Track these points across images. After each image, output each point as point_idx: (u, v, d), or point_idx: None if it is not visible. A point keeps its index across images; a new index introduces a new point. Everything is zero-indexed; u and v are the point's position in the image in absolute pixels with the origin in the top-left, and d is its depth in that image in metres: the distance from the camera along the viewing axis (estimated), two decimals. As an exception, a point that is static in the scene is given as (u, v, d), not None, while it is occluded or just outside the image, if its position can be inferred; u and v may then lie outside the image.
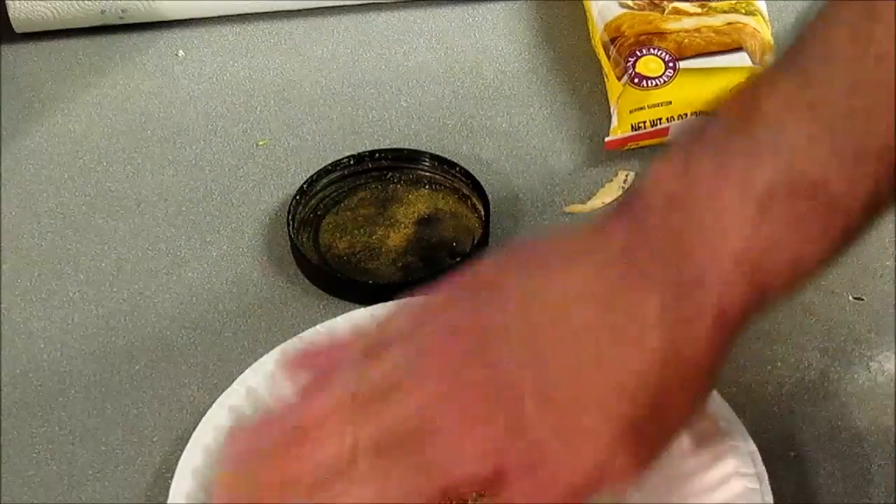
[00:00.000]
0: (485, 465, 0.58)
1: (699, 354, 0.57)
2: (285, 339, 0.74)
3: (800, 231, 0.55)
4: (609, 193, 0.84)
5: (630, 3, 0.90)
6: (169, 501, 0.67)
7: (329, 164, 0.84)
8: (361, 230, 0.82)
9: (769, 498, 0.65)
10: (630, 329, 0.57)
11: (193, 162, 0.87)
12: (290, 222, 0.81)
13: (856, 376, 0.73)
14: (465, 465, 0.58)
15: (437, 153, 0.84)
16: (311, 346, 0.66)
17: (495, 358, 0.59)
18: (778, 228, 0.55)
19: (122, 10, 0.94)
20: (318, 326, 0.74)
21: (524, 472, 0.58)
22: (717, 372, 0.58)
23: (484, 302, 0.60)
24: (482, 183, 0.82)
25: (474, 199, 0.82)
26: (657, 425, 0.58)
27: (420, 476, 0.58)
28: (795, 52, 0.57)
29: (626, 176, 0.84)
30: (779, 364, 0.74)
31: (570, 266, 0.59)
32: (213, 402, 0.71)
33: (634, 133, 0.85)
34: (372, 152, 0.85)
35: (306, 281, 0.80)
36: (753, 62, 0.86)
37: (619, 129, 0.85)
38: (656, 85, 0.85)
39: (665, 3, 0.90)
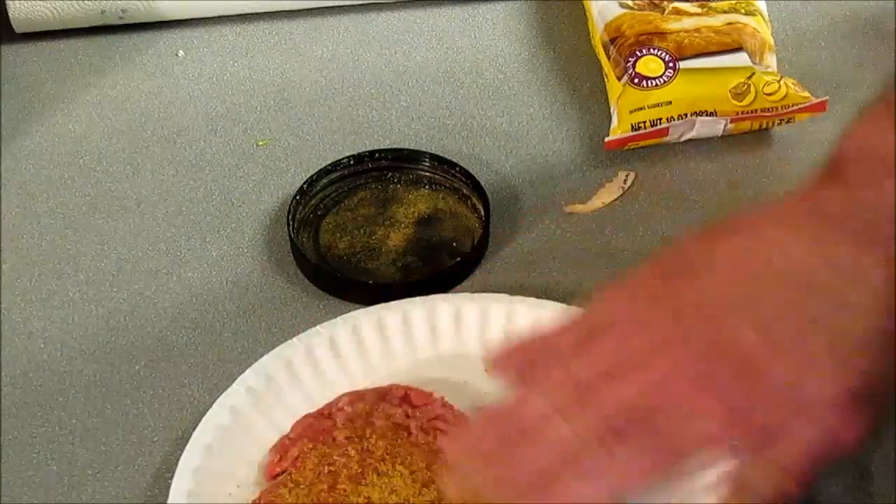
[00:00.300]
0: (720, 437, 0.57)
1: None
2: (285, 339, 0.74)
3: None
4: (609, 193, 0.84)
5: (630, 4, 0.90)
6: (169, 501, 0.67)
7: (329, 164, 0.84)
8: (361, 230, 0.82)
9: (769, 498, 0.65)
10: (853, 292, 0.57)
11: (193, 162, 0.87)
12: (290, 222, 0.81)
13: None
14: (700, 437, 0.57)
15: (437, 153, 0.84)
16: (516, 341, 0.63)
17: (718, 331, 0.58)
18: None
19: (122, 10, 0.94)
20: (318, 327, 0.74)
21: (759, 444, 0.57)
22: None
23: (695, 276, 0.59)
24: (482, 183, 0.82)
25: (474, 199, 0.82)
26: (878, 388, 0.58)
27: (656, 454, 0.57)
28: None
29: (626, 176, 0.84)
30: (779, 364, 0.74)
31: (784, 235, 0.58)
32: (213, 402, 0.71)
33: (634, 133, 0.85)
34: (372, 152, 0.85)
35: (306, 281, 0.80)
36: (753, 62, 0.86)
37: (619, 129, 0.85)
38: (656, 85, 0.85)
39: (665, 3, 0.90)
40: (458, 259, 0.79)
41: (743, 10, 0.89)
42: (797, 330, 0.57)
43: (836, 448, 0.58)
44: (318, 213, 0.83)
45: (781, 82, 0.85)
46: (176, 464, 0.68)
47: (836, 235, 0.58)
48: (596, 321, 0.61)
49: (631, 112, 0.85)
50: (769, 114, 0.85)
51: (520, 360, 0.62)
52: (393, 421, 0.68)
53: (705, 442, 0.58)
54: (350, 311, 0.75)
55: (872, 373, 0.57)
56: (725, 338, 0.57)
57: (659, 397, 0.57)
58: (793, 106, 0.84)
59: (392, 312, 0.75)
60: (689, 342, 0.58)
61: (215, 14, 0.96)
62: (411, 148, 0.85)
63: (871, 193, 0.57)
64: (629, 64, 0.86)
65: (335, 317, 0.75)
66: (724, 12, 0.89)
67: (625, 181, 0.84)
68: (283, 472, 0.68)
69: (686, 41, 0.87)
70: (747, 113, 0.85)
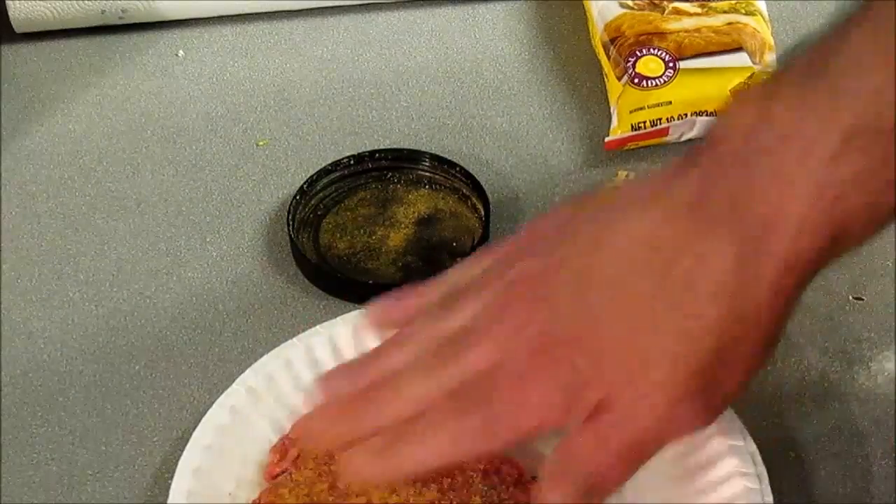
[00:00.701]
0: (548, 417, 0.58)
1: (768, 302, 0.56)
2: (285, 339, 0.74)
3: (881, 174, 0.54)
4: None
5: (630, 3, 0.90)
6: (169, 501, 0.67)
7: (329, 164, 0.84)
8: (361, 230, 0.82)
9: (769, 498, 0.65)
10: (697, 276, 0.57)
11: (193, 162, 0.87)
12: (290, 222, 0.81)
13: (856, 376, 0.73)
14: (530, 418, 0.58)
15: (437, 153, 0.84)
16: (393, 300, 0.66)
17: (562, 309, 0.59)
18: (859, 167, 0.54)
19: (122, 10, 0.94)
20: (318, 327, 0.74)
21: (586, 427, 0.58)
22: (785, 321, 0.58)
23: (553, 250, 0.60)
24: (482, 183, 0.82)
25: (474, 199, 0.82)
26: (723, 376, 0.58)
27: (489, 428, 0.59)
28: (865, 8, 0.56)
29: (626, 176, 0.84)
30: (779, 364, 0.74)
31: (641, 212, 0.59)
32: (213, 402, 0.71)
33: (634, 133, 0.85)
34: (372, 152, 0.85)
35: (306, 281, 0.80)
36: (753, 62, 0.86)
37: (619, 129, 0.85)
38: (656, 85, 0.85)
39: (665, 3, 0.90)
40: (458, 259, 0.79)
41: (743, 10, 0.89)
42: (638, 314, 0.58)
43: (668, 435, 0.59)
44: (318, 213, 0.83)
45: (781, 82, 0.85)
46: (176, 464, 0.68)
47: (689, 216, 0.57)
48: (464, 280, 0.63)
49: (631, 112, 0.85)
50: (769, 114, 0.85)
51: (392, 317, 0.65)
52: (393, 421, 0.68)
53: (533, 423, 0.59)
54: (350, 311, 0.75)
55: (712, 362, 0.57)
56: (566, 325, 0.59)
57: (495, 375, 0.59)
58: (793, 106, 0.84)
59: (392, 312, 0.74)
60: (532, 326, 0.59)
61: (215, 14, 0.96)
62: (411, 148, 0.85)
63: (740, 176, 0.56)
64: (629, 64, 0.86)
65: (335, 317, 0.75)
66: (724, 12, 0.89)
67: (625, 181, 0.84)
68: (283, 473, 0.68)
69: (686, 41, 0.87)
70: (747, 113, 0.84)
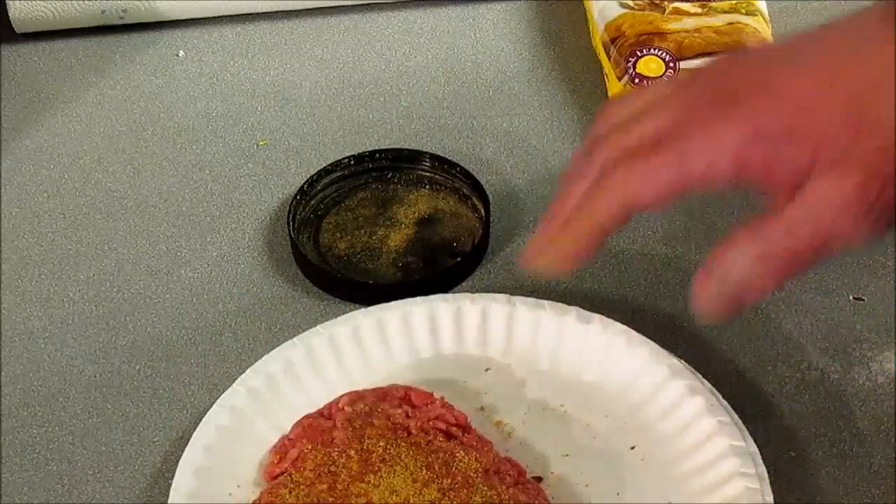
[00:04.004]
0: (722, 160, 0.59)
1: None
2: (285, 340, 0.74)
3: None
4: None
5: (630, 3, 0.90)
6: (169, 501, 0.67)
7: (329, 164, 0.84)
8: (362, 230, 0.82)
9: (769, 498, 0.65)
10: (875, 59, 0.59)
11: (193, 162, 0.87)
12: (291, 222, 0.81)
13: (856, 376, 0.73)
14: (720, 149, 0.59)
15: (437, 153, 0.84)
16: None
17: (751, 73, 0.61)
18: None
19: (122, 10, 0.94)
20: (318, 327, 0.74)
21: (776, 180, 0.60)
22: None
23: (738, 62, 0.64)
24: (482, 183, 0.82)
25: (474, 199, 0.82)
26: (892, 179, 0.58)
27: (657, 162, 0.60)
28: None
29: (627, 176, 0.84)
30: (779, 364, 0.74)
31: (865, 52, 0.60)
32: (214, 402, 0.71)
33: (634, 133, 0.85)
34: (372, 152, 0.85)
35: (306, 281, 0.80)
36: (753, 62, 0.86)
37: (619, 129, 0.85)
38: (656, 85, 0.85)
39: (665, 3, 0.90)
40: (458, 259, 0.79)
41: (743, 10, 0.89)
42: (839, 76, 0.59)
43: (838, 236, 0.59)
44: (319, 213, 0.83)
45: (782, 82, 0.85)
46: (176, 464, 0.68)
47: (877, 24, 0.60)
48: (650, 95, 0.65)
49: (631, 112, 0.85)
50: (769, 114, 0.85)
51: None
52: (393, 421, 0.68)
53: (718, 156, 0.60)
54: (350, 311, 0.75)
55: (885, 151, 0.58)
56: (746, 85, 0.61)
57: (684, 120, 0.61)
58: (793, 106, 0.84)
59: (392, 312, 0.75)
60: (720, 85, 0.62)
61: (215, 14, 0.96)
62: (411, 148, 0.85)
63: None
64: (629, 64, 0.86)
65: (335, 317, 0.75)
66: (725, 12, 0.89)
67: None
68: (283, 473, 0.68)
69: (686, 41, 0.87)
70: (747, 113, 0.84)
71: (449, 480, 0.66)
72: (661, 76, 0.85)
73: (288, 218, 0.81)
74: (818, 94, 0.59)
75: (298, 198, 0.82)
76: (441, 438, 0.68)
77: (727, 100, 0.60)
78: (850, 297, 0.77)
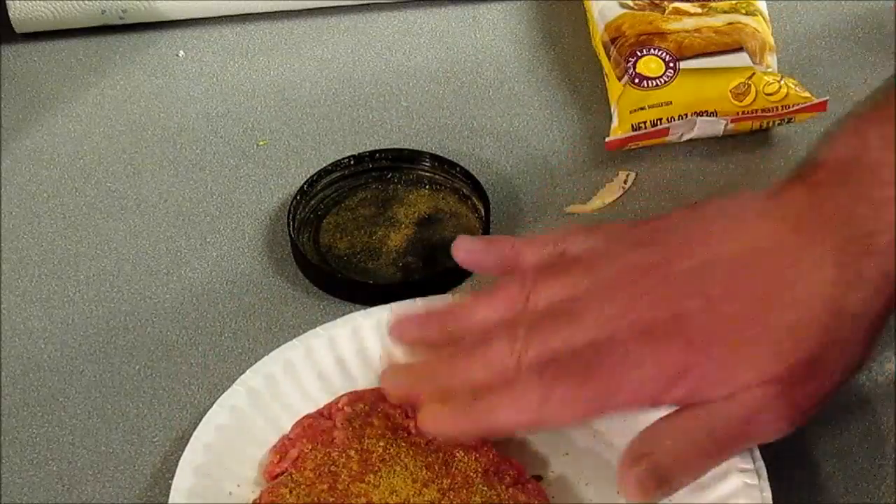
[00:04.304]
0: (643, 398, 0.61)
1: (864, 313, 0.60)
2: (285, 340, 0.74)
3: None
4: (609, 193, 0.84)
5: (630, 3, 0.90)
6: (169, 501, 0.67)
7: (329, 164, 0.84)
8: (362, 230, 0.82)
9: (768, 494, 0.65)
10: (801, 281, 0.60)
11: (193, 162, 0.87)
12: (291, 222, 0.81)
13: (856, 376, 0.73)
14: (625, 395, 0.61)
15: (437, 153, 0.84)
16: (489, 246, 0.69)
17: (672, 296, 0.62)
18: None
19: (122, 10, 0.94)
20: (318, 328, 0.74)
21: (674, 415, 0.61)
22: (876, 339, 0.61)
23: (664, 245, 0.64)
24: (482, 183, 0.82)
25: (474, 199, 0.82)
26: (821, 375, 0.61)
27: (581, 398, 0.61)
28: None
29: (627, 176, 0.84)
30: (779, 364, 0.74)
31: (749, 221, 0.63)
32: (214, 402, 0.71)
33: (635, 133, 0.85)
34: (372, 152, 0.85)
35: (306, 281, 0.80)
36: (753, 62, 0.86)
37: (619, 130, 0.85)
38: (657, 85, 0.85)
39: (665, 3, 0.90)
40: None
41: (743, 10, 0.89)
42: (741, 311, 0.61)
43: (755, 433, 0.62)
44: (319, 213, 0.83)
45: (782, 82, 0.85)
46: (176, 464, 0.68)
47: (794, 229, 0.62)
48: (570, 252, 0.65)
49: (631, 112, 0.85)
50: (769, 114, 0.85)
51: (487, 266, 0.68)
52: (392, 421, 0.68)
53: (638, 396, 0.61)
54: (350, 311, 0.75)
55: (807, 362, 0.61)
56: (676, 308, 0.62)
57: (605, 341, 0.61)
58: (793, 106, 0.84)
59: (392, 312, 0.74)
60: (646, 294, 0.62)
61: (215, 14, 0.96)
62: (411, 148, 0.85)
63: (844, 197, 0.61)
64: (629, 64, 0.86)
65: (335, 317, 0.75)
66: (725, 12, 0.89)
67: (625, 181, 0.84)
68: (283, 473, 0.68)
69: (686, 41, 0.87)
70: (748, 113, 0.85)
71: (449, 480, 0.66)
72: (660, 76, 0.85)
73: (288, 218, 0.81)
74: (752, 324, 0.61)
75: (298, 198, 0.82)
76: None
77: (661, 329, 0.61)
78: (850, 297, 0.77)
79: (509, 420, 0.63)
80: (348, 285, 0.78)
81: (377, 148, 0.85)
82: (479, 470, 0.66)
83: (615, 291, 0.63)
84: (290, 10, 0.97)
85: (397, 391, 0.67)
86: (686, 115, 0.85)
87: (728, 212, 0.65)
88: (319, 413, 0.71)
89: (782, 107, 0.84)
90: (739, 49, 0.86)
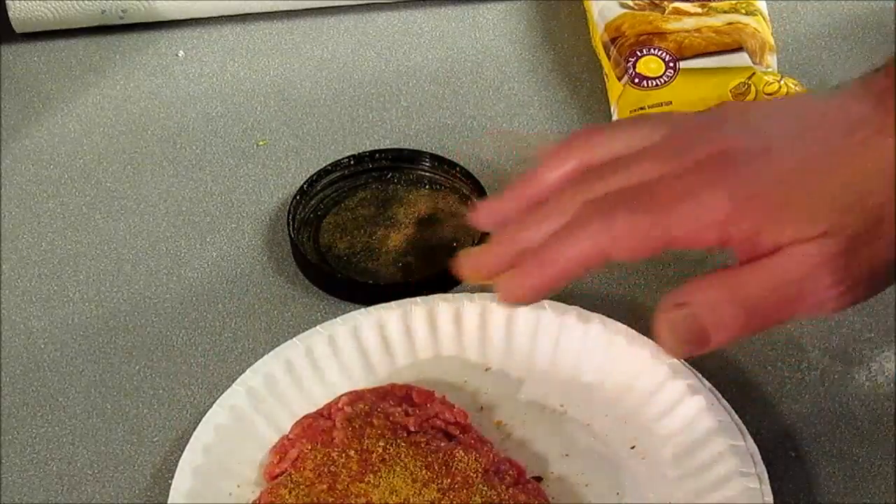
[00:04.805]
0: (702, 233, 0.59)
1: None
2: (285, 340, 0.74)
3: None
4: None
5: (630, 3, 0.90)
6: (169, 501, 0.67)
7: (329, 164, 0.84)
8: (361, 230, 0.82)
9: (769, 498, 0.65)
10: (871, 140, 0.59)
11: (193, 162, 0.87)
12: (291, 222, 0.81)
13: (856, 376, 0.73)
14: (684, 226, 0.59)
15: (437, 153, 0.84)
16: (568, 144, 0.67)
17: (729, 141, 0.61)
18: None
19: (122, 10, 0.94)
20: (318, 327, 0.74)
21: (723, 272, 0.60)
22: None
23: (720, 111, 0.64)
24: (482, 183, 0.82)
25: (474, 199, 0.82)
26: (878, 247, 0.59)
27: (641, 227, 0.60)
28: None
29: (627, 176, 0.84)
30: (779, 364, 0.74)
31: (817, 98, 0.63)
32: (214, 402, 0.71)
33: (634, 133, 0.85)
34: (372, 152, 0.85)
35: (306, 281, 0.80)
36: (754, 62, 0.86)
37: (619, 129, 0.85)
38: (656, 85, 0.85)
39: (665, 3, 0.90)
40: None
41: (743, 10, 0.89)
42: (802, 158, 0.60)
43: (804, 301, 0.59)
44: (318, 213, 0.83)
45: (781, 82, 0.85)
46: (176, 464, 0.68)
47: (870, 104, 0.60)
48: (637, 138, 0.64)
49: (631, 112, 0.85)
50: (769, 114, 0.85)
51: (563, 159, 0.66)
52: (392, 420, 0.68)
53: (694, 231, 0.60)
54: (350, 311, 0.75)
55: (870, 220, 0.59)
56: (735, 146, 0.61)
57: (660, 180, 0.60)
58: (793, 106, 0.84)
59: (392, 312, 0.75)
60: (702, 142, 0.61)
61: (215, 14, 0.96)
62: (411, 148, 0.85)
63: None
64: (629, 64, 0.86)
65: (335, 317, 0.75)
66: (725, 12, 0.89)
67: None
68: (282, 473, 0.68)
69: (686, 41, 0.87)
70: (747, 113, 0.84)
71: (449, 480, 0.66)
72: (660, 76, 0.85)
73: (288, 218, 0.81)
74: (813, 172, 0.60)
75: (298, 198, 0.82)
76: (440, 438, 0.68)
77: (720, 163, 0.60)
78: (850, 297, 0.77)
79: (574, 256, 0.61)
80: (348, 285, 0.78)
81: (377, 148, 0.85)
82: (479, 470, 0.66)
83: (670, 142, 0.62)
84: (290, 10, 0.97)
85: (472, 268, 0.66)
86: (686, 115, 0.84)
87: (786, 104, 0.65)
88: (319, 413, 0.71)
89: (782, 107, 0.84)
90: (739, 49, 0.86)
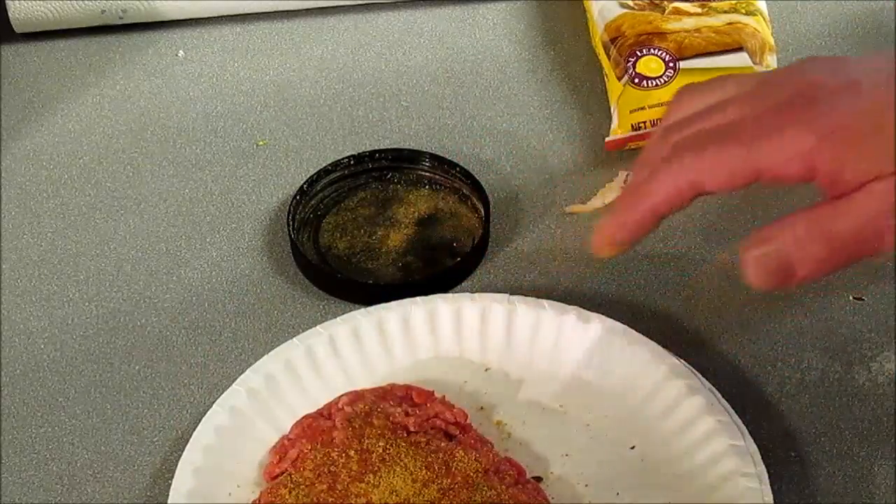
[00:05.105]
0: (789, 162, 0.60)
1: None
2: (285, 340, 0.74)
3: None
4: (609, 193, 0.83)
5: (630, 3, 0.90)
6: (169, 501, 0.67)
7: (329, 164, 0.84)
8: (361, 230, 0.82)
9: (769, 498, 0.65)
10: None
11: (193, 162, 0.87)
12: (290, 222, 0.81)
13: (856, 376, 0.73)
14: (774, 153, 0.61)
15: (437, 153, 0.84)
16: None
17: (815, 82, 0.62)
18: None
19: (122, 10, 0.94)
20: (318, 327, 0.74)
21: (811, 209, 0.61)
22: None
23: (823, 66, 0.64)
24: (482, 183, 0.82)
25: (474, 199, 0.82)
26: None
27: (731, 151, 0.61)
28: None
29: (627, 176, 0.84)
30: (779, 364, 0.74)
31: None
32: (213, 402, 0.71)
33: (635, 133, 0.85)
34: (372, 152, 0.85)
35: (306, 281, 0.80)
36: (753, 62, 0.86)
37: (619, 129, 0.85)
38: (656, 85, 0.85)
39: (665, 3, 0.90)
40: (458, 259, 0.79)
41: (743, 10, 0.89)
42: (887, 97, 0.61)
43: (887, 238, 0.60)
44: (318, 213, 0.83)
45: (781, 82, 0.85)
46: (176, 464, 0.68)
47: None
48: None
49: (631, 112, 0.85)
50: (769, 114, 0.85)
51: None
52: (392, 420, 0.68)
53: (788, 157, 0.61)
54: (350, 311, 0.75)
55: None
56: (820, 86, 0.62)
57: (748, 115, 0.62)
58: (793, 106, 0.84)
59: (392, 312, 0.75)
60: (788, 84, 0.63)
61: (215, 14, 0.96)
62: (411, 148, 0.85)
63: None
64: (629, 64, 0.86)
65: (335, 317, 0.75)
66: (725, 12, 0.89)
67: (625, 181, 0.84)
68: (282, 473, 0.68)
69: (686, 41, 0.87)
70: (747, 113, 0.84)
71: (449, 480, 0.66)
72: (660, 76, 0.85)
73: (288, 218, 0.81)
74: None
75: (298, 198, 0.82)
76: (440, 438, 0.68)
77: (807, 99, 0.61)
78: (850, 297, 0.77)
79: (667, 189, 0.62)
80: (348, 285, 0.78)
81: (377, 148, 0.85)
82: (479, 470, 0.66)
83: (755, 90, 0.64)
84: (290, 10, 0.97)
85: (600, 236, 0.67)
86: (686, 115, 0.84)
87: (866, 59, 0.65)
88: (319, 413, 0.71)
89: (782, 107, 0.84)
90: (739, 49, 0.86)
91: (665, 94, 0.85)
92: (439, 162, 0.84)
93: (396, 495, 0.65)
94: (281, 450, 0.69)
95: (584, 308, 0.74)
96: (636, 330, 0.73)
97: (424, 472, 0.66)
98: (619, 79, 0.86)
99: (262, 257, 0.82)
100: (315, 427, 0.69)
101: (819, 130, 0.60)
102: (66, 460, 0.72)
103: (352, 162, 0.84)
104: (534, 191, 0.84)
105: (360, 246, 0.81)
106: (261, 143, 0.88)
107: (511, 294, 0.75)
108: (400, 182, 0.84)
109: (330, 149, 0.87)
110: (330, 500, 0.66)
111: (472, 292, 0.76)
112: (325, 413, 0.70)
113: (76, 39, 0.96)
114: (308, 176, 0.83)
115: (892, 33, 0.92)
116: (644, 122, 0.85)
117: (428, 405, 0.70)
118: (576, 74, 0.92)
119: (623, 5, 0.90)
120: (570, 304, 0.74)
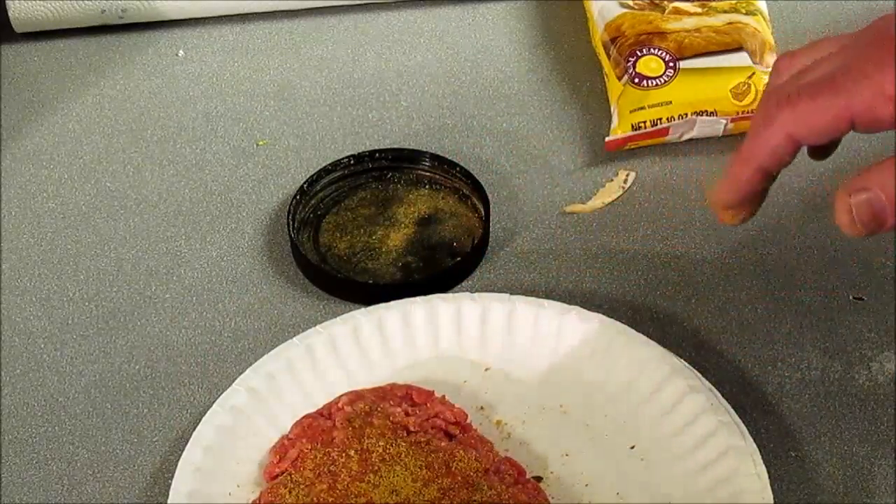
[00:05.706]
0: (883, 106, 0.61)
1: None
2: (285, 340, 0.74)
3: None
4: (609, 193, 0.84)
5: (630, 3, 0.90)
6: (169, 501, 0.67)
7: (329, 164, 0.84)
8: (361, 230, 0.82)
9: (769, 498, 0.65)
10: None
11: (193, 162, 0.87)
12: (290, 222, 0.81)
13: (856, 376, 0.73)
14: (873, 93, 0.62)
15: (437, 153, 0.84)
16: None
17: None
18: None
19: (122, 10, 0.94)
20: (317, 326, 0.74)
21: None
22: None
23: None
24: (482, 183, 0.82)
25: (474, 199, 0.82)
26: None
27: (823, 100, 0.62)
28: None
29: (627, 176, 0.84)
30: (779, 364, 0.74)
31: None
32: (213, 402, 0.71)
33: (635, 133, 0.85)
34: (372, 152, 0.85)
35: (306, 281, 0.80)
36: (754, 62, 0.86)
37: (619, 129, 0.85)
38: (656, 85, 0.85)
39: (665, 2, 0.90)
40: (458, 259, 0.79)
41: (743, 10, 0.89)
42: None
43: None
44: (318, 213, 0.83)
45: (781, 82, 0.85)
46: (176, 464, 0.68)
47: None
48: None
49: (631, 112, 0.85)
50: (769, 114, 0.85)
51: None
52: (392, 420, 0.69)
53: (878, 101, 0.62)
54: (350, 311, 0.75)
55: None
56: None
57: (840, 69, 0.63)
58: (793, 106, 0.84)
59: (392, 312, 0.75)
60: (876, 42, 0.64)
61: (215, 14, 0.96)
62: (411, 148, 0.85)
63: None
64: (629, 64, 0.86)
65: (335, 317, 0.75)
66: (725, 12, 0.89)
67: (625, 181, 0.84)
68: (283, 473, 0.68)
69: (686, 41, 0.87)
70: (747, 113, 0.85)
71: (449, 480, 0.66)
72: (660, 76, 0.85)
73: (288, 218, 0.81)
74: None
75: (298, 198, 0.82)
76: (440, 437, 0.68)
77: (889, 46, 0.63)
78: (850, 297, 0.77)
79: (767, 145, 0.64)
80: (348, 285, 0.78)
81: (377, 148, 0.85)
82: (479, 470, 0.66)
83: (845, 47, 0.65)
84: (290, 10, 0.97)
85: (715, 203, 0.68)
86: (686, 114, 0.85)
87: None
88: (319, 413, 0.71)
89: (782, 107, 0.84)
90: (739, 49, 0.86)
91: (665, 94, 0.85)
92: (439, 162, 0.84)
93: (396, 495, 0.65)
94: (281, 449, 0.69)
95: (584, 308, 0.74)
96: (636, 330, 0.73)
97: (424, 471, 0.66)
98: (619, 79, 0.86)
99: (262, 257, 0.82)
100: (315, 427, 0.69)
101: None
102: (66, 460, 0.72)
103: (352, 162, 0.84)
104: (534, 190, 0.84)
105: (360, 246, 0.81)
106: (261, 142, 0.88)
107: (511, 294, 0.75)
108: (400, 182, 0.84)
109: (330, 149, 0.87)
110: (330, 499, 0.66)
111: (472, 292, 0.76)
112: (325, 413, 0.70)
113: (76, 39, 0.96)
114: (308, 176, 0.83)
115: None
116: (644, 122, 0.85)
117: (428, 405, 0.70)
118: (576, 74, 0.92)
119: (623, 5, 0.90)
120: (570, 304, 0.74)
